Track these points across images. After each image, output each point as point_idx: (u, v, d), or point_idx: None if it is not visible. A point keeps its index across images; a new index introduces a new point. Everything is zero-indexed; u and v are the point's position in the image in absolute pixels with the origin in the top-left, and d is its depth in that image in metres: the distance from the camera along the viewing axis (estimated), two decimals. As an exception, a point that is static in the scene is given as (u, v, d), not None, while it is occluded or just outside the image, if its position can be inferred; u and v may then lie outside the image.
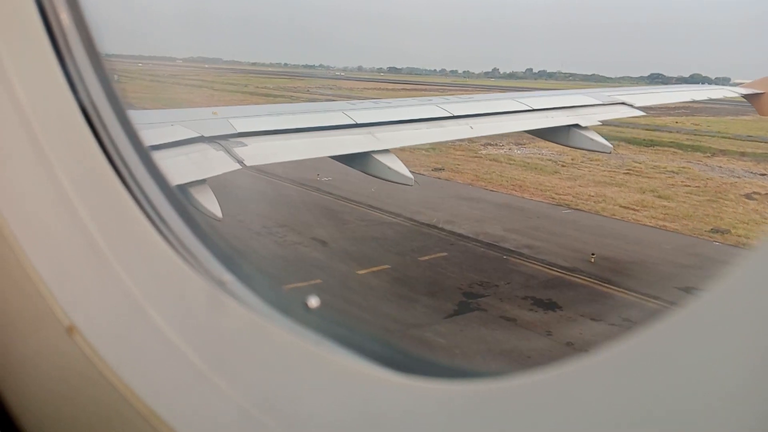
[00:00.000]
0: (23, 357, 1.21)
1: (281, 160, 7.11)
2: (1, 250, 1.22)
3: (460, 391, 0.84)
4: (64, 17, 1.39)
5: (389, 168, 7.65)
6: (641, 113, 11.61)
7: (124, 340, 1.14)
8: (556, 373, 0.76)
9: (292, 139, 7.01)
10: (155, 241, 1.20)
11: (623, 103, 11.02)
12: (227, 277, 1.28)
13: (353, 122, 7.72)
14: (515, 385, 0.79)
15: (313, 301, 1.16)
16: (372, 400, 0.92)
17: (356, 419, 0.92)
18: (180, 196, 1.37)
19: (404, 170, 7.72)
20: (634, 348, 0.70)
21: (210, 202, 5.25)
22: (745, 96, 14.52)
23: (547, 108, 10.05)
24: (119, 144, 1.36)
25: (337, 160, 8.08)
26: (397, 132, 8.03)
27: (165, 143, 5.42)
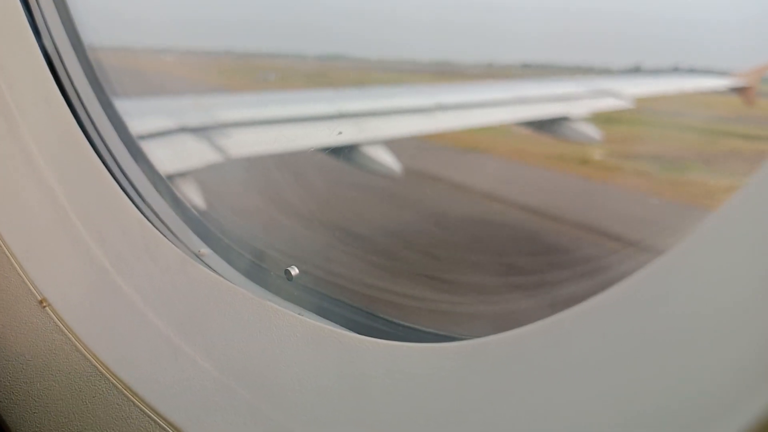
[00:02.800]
0: None
1: (266, 151, 7.03)
2: None
3: (443, 351, 0.81)
4: (47, 7, 1.36)
5: (376, 160, 7.60)
6: (628, 103, 11.60)
7: (97, 313, 1.10)
8: (535, 328, 0.73)
9: (277, 130, 6.94)
10: (129, 211, 1.17)
11: (609, 92, 11.01)
12: (204, 249, 1.25)
13: (339, 111, 7.65)
14: (495, 342, 0.77)
15: (294, 271, 1.13)
16: (352, 366, 0.89)
17: (337, 386, 0.89)
18: (155, 166, 1.34)
19: (391, 162, 7.68)
20: (616, 297, 0.68)
21: (193, 194, 5.18)
22: (733, 88, 14.53)
23: (536, 97, 10.01)
24: (92, 114, 1.33)
25: (323, 152, 8.02)
26: (384, 122, 7.97)
27: (146, 134, 5.33)
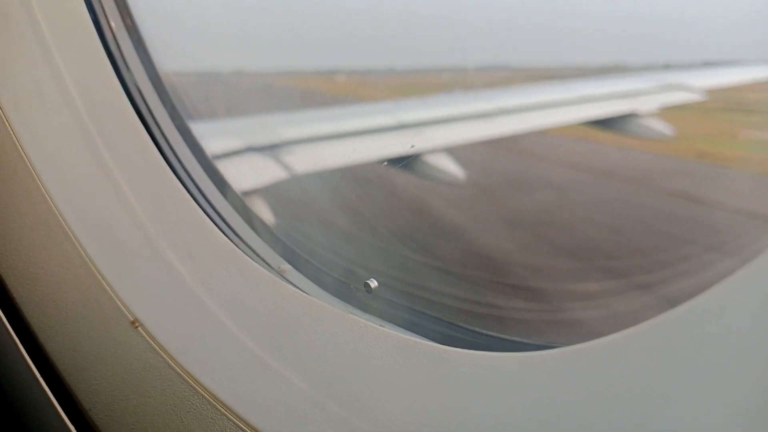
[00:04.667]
0: (91, 353, 1.23)
1: (330, 166, 7.09)
2: (66, 249, 1.24)
3: (536, 360, 0.79)
4: (120, 33, 1.43)
5: (439, 168, 7.54)
6: (700, 96, 10.99)
7: (187, 331, 1.14)
8: (631, 333, 0.71)
9: (340, 145, 6.99)
10: (210, 231, 1.21)
11: (679, 86, 10.48)
12: (286, 266, 1.27)
13: (400, 122, 7.64)
14: (590, 349, 0.74)
15: (373, 283, 1.14)
16: (442, 377, 0.89)
17: (429, 398, 0.89)
18: (232, 188, 1.37)
19: (454, 169, 7.60)
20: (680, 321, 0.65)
21: (269, 211, 5.28)
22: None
23: (601, 95, 9.64)
24: (173, 142, 1.38)
25: (386, 163, 8.00)
26: (446, 130, 7.90)
27: (222, 154, 5.48)
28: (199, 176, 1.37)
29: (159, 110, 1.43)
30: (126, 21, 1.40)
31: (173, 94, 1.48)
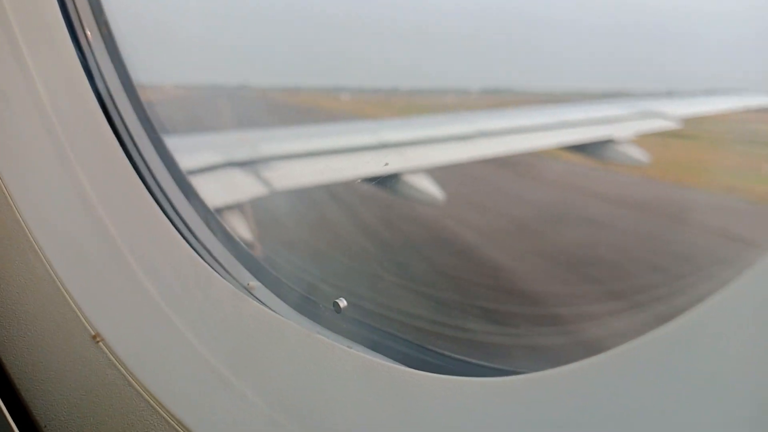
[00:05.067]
0: (50, 368, 1.20)
1: (311, 183, 7.06)
2: (30, 259, 1.21)
3: (500, 385, 0.78)
4: (98, 46, 1.41)
5: (418, 188, 7.55)
6: (676, 124, 11.15)
7: (149, 348, 1.11)
8: (594, 362, 0.70)
9: (321, 162, 6.98)
10: (180, 246, 1.18)
11: (655, 114, 10.63)
12: (254, 282, 1.25)
13: (381, 141, 7.66)
14: (556, 376, 0.74)
15: (342, 303, 1.12)
16: (404, 401, 0.87)
17: (389, 421, 0.87)
18: (205, 203, 1.36)
19: (433, 190, 7.62)
20: (658, 342, 0.65)
21: (241, 227, 5.23)
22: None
23: (579, 121, 9.76)
24: (144, 153, 1.36)
25: (366, 182, 8.01)
26: (427, 150, 7.93)
27: (193, 170, 5.43)
28: (171, 190, 1.35)
29: (133, 122, 1.41)
30: (102, 30, 1.38)
31: (148, 106, 1.46)
